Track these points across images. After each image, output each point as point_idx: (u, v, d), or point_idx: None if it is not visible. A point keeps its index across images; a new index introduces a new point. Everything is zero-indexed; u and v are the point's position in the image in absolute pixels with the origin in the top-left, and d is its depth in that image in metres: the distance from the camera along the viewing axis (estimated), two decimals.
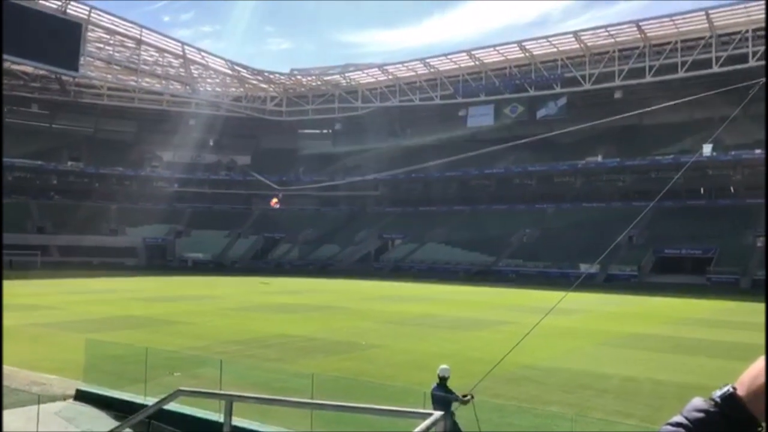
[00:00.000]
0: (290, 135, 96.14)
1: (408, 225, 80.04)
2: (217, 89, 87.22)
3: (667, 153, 68.07)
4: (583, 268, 54.63)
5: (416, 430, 4.13)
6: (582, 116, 69.68)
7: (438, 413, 4.30)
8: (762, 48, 57.90)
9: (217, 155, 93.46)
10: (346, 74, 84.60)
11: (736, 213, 61.70)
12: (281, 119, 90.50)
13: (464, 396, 8.95)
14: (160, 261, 76.36)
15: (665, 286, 51.11)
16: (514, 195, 79.15)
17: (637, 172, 71.74)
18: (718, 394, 1.14)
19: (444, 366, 9.70)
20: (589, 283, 49.52)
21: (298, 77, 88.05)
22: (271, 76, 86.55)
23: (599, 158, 74.05)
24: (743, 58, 59.09)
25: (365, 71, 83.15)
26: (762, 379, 1.11)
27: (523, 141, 47.44)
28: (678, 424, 1.12)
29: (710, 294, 45.23)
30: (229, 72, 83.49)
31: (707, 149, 62.54)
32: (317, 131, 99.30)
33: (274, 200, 40.44)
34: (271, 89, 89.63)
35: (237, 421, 8.05)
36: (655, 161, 68.71)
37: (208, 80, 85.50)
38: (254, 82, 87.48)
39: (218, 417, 10.19)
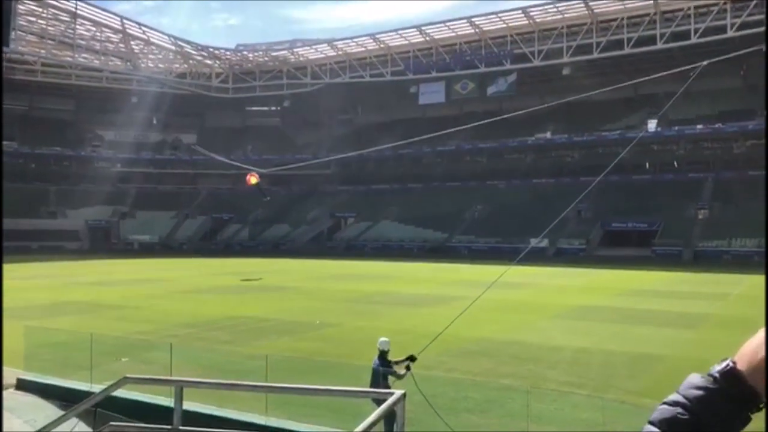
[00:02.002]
0: (237, 112, 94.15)
1: (360, 203, 79.79)
2: (160, 65, 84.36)
3: (614, 129, 69.64)
4: (533, 242, 55.60)
5: (380, 408, 3.95)
6: (532, 93, 70.69)
7: (399, 391, 4.16)
8: (703, 25, 59.49)
9: (161, 134, 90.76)
10: (295, 50, 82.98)
11: (678, 187, 63.79)
12: (227, 96, 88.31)
13: (399, 371, 8.78)
14: (104, 244, 74.06)
15: (613, 258, 52.54)
16: (466, 172, 79.74)
17: (584, 148, 73.16)
18: (716, 369, 1.07)
19: (383, 339, 9.48)
20: (539, 257, 50.43)
21: (245, 53, 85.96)
22: (217, 52, 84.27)
23: (548, 135, 75.22)
24: (686, 34, 60.60)
25: (314, 47, 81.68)
26: (764, 353, 1.04)
27: (482, 123, 47.43)
28: (676, 403, 1.06)
29: (655, 266, 46.75)
30: (173, 48, 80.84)
31: (652, 125, 64.16)
32: (265, 108, 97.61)
33: (254, 178, 34.64)
34: (217, 65, 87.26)
35: (190, 405, 7.71)
36: (602, 137, 70.20)
37: (150, 56, 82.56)
38: (199, 58, 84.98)
39: (169, 402, 9.81)
